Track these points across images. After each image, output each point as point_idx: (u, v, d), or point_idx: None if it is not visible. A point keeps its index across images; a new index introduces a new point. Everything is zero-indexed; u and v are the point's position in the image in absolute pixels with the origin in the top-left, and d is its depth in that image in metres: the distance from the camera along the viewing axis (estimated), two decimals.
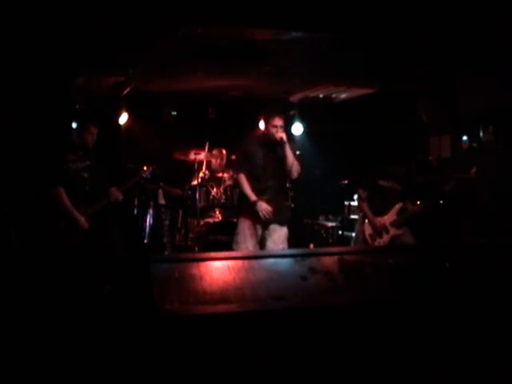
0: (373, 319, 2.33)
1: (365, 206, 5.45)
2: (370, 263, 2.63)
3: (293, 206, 6.19)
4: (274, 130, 4.66)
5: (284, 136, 4.63)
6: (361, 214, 5.63)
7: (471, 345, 2.45)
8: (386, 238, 5.28)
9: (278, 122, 4.67)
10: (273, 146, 4.73)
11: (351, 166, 6.89)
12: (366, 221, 5.44)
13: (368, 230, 5.38)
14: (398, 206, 5.32)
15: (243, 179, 4.80)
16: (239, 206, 5.10)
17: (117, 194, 4.71)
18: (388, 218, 5.31)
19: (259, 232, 4.81)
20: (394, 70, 5.92)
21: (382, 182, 5.44)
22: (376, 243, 5.26)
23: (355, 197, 6.23)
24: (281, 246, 4.75)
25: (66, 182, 4.59)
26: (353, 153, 7.37)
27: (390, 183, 5.42)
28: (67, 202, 4.54)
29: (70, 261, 4.38)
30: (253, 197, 4.69)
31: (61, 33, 4.64)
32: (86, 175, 4.69)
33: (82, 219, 4.55)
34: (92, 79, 6.19)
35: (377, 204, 5.40)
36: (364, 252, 3.05)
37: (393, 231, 5.28)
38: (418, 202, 5.32)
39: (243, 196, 4.84)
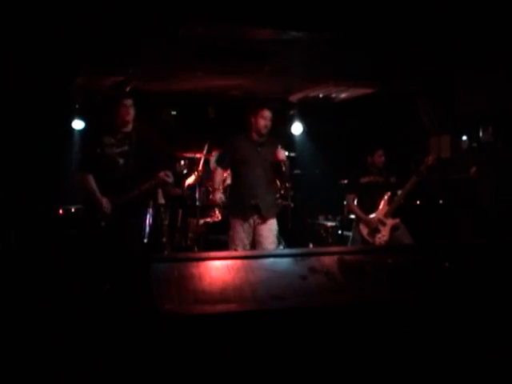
0: (372, 319, 2.33)
1: (355, 208, 5.50)
2: (369, 263, 2.64)
3: (293, 205, 6.18)
4: (262, 122, 4.66)
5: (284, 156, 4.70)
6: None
7: (471, 344, 2.45)
8: (384, 232, 5.29)
9: (267, 113, 4.67)
10: (260, 143, 4.72)
11: (351, 166, 6.89)
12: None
13: (365, 230, 5.38)
14: (386, 196, 5.39)
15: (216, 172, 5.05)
16: (229, 205, 5.13)
17: (166, 175, 4.19)
18: (381, 211, 5.35)
19: (251, 227, 4.72)
20: (394, 69, 5.92)
21: (363, 179, 5.52)
22: (377, 239, 5.28)
23: (345, 202, 6.28)
24: (271, 239, 4.69)
25: (96, 169, 4.16)
26: (353, 153, 7.36)
27: (371, 177, 5.50)
28: (93, 185, 4.10)
29: (69, 261, 4.36)
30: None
31: (61, 33, 4.63)
32: (121, 162, 4.18)
33: (105, 201, 4.08)
34: (92, 79, 6.18)
35: (366, 201, 5.45)
36: (364, 252, 3.05)
37: (389, 222, 5.31)
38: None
39: (231, 194, 5.03)
